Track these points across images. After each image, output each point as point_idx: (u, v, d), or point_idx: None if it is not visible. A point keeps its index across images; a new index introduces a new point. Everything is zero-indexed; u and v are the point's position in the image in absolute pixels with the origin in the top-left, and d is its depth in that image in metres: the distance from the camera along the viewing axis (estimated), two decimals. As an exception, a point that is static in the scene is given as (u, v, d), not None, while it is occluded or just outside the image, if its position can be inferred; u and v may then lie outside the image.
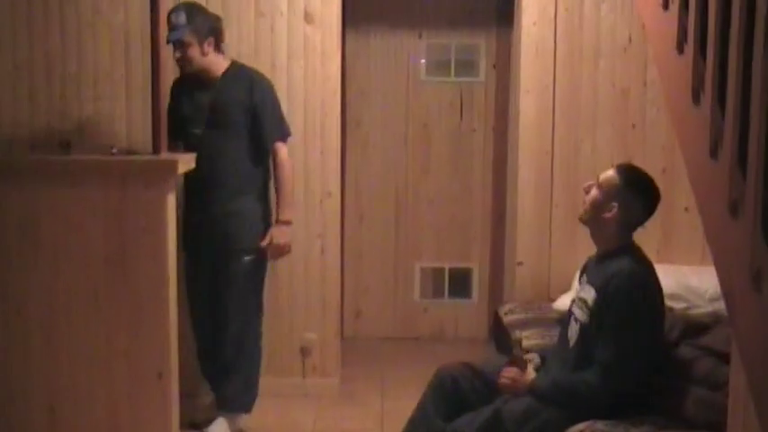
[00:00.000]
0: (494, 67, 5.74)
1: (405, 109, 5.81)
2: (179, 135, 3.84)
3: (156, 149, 3.10)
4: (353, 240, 5.84)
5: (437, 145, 5.82)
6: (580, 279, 3.23)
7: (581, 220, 3.14)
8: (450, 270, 5.91)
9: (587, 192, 3.10)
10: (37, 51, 4.57)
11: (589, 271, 3.16)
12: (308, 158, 4.62)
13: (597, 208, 3.03)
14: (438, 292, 5.93)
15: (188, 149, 3.66)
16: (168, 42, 3.74)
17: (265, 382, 4.47)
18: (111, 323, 2.99)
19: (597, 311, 2.95)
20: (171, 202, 3.03)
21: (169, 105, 3.89)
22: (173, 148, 3.79)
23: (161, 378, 3.01)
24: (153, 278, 2.98)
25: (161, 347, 3.01)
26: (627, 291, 2.90)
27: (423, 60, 5.78)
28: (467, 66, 5.77)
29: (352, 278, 5.86)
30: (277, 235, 3.97)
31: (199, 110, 3.91)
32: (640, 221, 3.06)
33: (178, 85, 4.01)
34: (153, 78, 3.10)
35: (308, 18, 4.57)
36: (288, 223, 4.00)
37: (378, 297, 5.92)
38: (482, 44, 5.75)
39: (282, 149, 4.01)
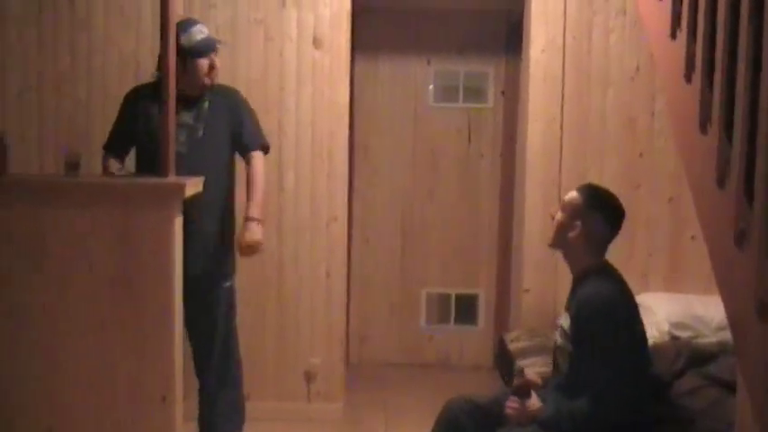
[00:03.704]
0: (502, 93, 5.76)
1: (412, 134, 5.82)
2: (142, 148, 3.80)
3: (163, 171, 3.10)
4: (359, 265, 5.84)
5: (444, 171, 5.83)
6: None
7: (550, 245, 3.19)
8: (457, 296, 5.90)
9: (553, 217, 3.15)
10: (47, 74, 4.61)
11: (569, 298, 3.17)
12: (314, 182, 4.64)
13: (562, 229, 3.08)
14: (444, 319, 5.92)
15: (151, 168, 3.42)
16: (211, 49, 3.79)
17: (269, 406, 4.46)
18: (115, 345, 2.98)
19: (575, 338, 2.97)
20: (177, 224, 3.03)
21: (128, 114, 3.87)
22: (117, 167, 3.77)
23: (165, 401, 3.00)
24: (158, 301, 2.97)
25: (165, 370, 2.99)
26: (597, 316, 2.90)
27: (431, 86, 5.80)
28: (475, 92, 5.79)
29: (358, 303, 5.85)
30: (249, 232, 3.79)
31: (180, 128, 3.68)
32: (606, 238, 3.08)
33: (144, 96, 3.85)
34: (161, 103, 3.11)
35: (316, 43, 4.60)
36: (258, 221, 3.83)
37: (383, 322, 5.90)
38: (491, 71, 5.77)
39: (259, 158, 3.92)
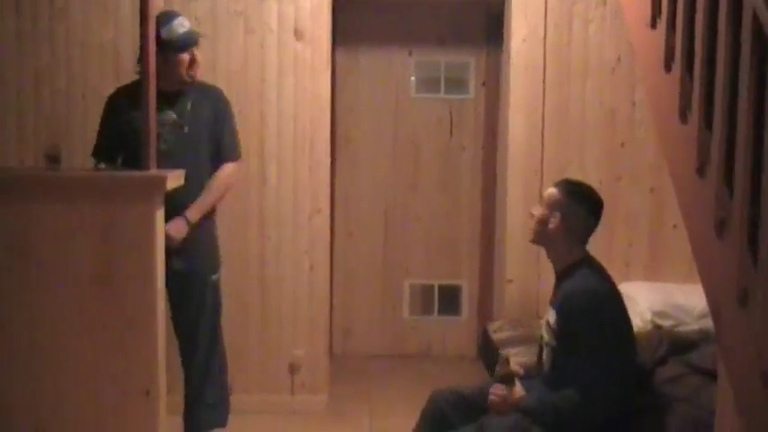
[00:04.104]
0: (483, 84, 5.76)
1: (394, 126, 5.82)
2: (127, 150, 3.75)
3: (144, 165, 3.09)
4: (342, 257, 5.83)
5: (426, 162, 5.83)
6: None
7: (532, 241, 3.22)
8: (440, 287, 5.91)
9: (533, 215, 3.18)
10: (26, 67, 4.58)
11: (553, 293, 3.18)
12: (297, 175, 4.63)
13: (542, 223, 3.11)
14: (427, 309, 5.93)
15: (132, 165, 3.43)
16: (193, 43, 3.76)
17: (253, 398, 4.45)
18: (97, 340, 2.97)
19: (560, 333, 2.98)
20: (159, 218, 3.02)
21: (112, 117, 3.83)
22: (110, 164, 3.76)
23: (148, 396, 2.99)
24: (140, 294, 2.96)
25: (148, 365, 2.99)
26: (584, 309, 2.91)
27: (412, 78, 5.79)
28: (456, 83, 5.79)
29: (341, 295, 5.85)
30: (172, 225, 3.67)
31: (163, 125, 3.68)
32: (587, 230, 3.11)
33: (125, 98, 3.79)
34: (142, 94, 3.09)
35: (297, 35, 4.59)
36: (188, 222, 3.77)
37: (367, 314, 5.90)
38: (472, 62, 5.77)
39: (229, 169, 3.91)
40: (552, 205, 3.09)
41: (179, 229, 3.76)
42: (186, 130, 3.80)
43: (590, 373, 2.84)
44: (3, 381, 2.98)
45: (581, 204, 3.08)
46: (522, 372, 3.27)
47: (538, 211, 3.16)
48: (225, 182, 3.92)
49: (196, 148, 3.82)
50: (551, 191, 3.14)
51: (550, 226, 3.08)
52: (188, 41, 3.77)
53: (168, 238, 3.64)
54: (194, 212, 3.81)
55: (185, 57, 3.77)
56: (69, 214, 2.94)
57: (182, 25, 3.77)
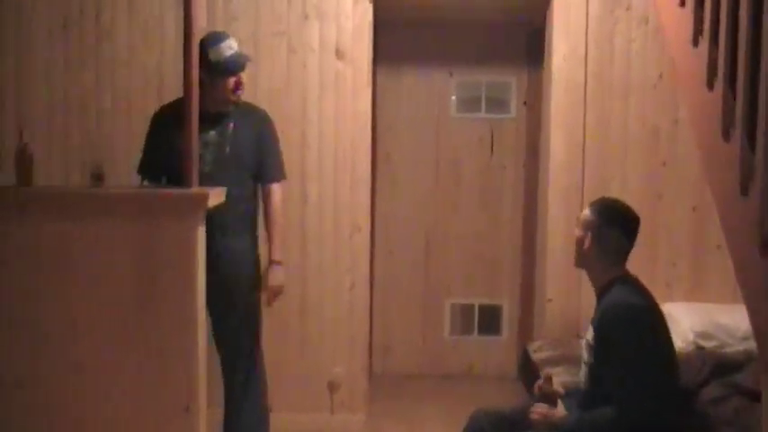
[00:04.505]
0: (524, 103, 5.76)
1: (435, 145, 5.83)
2: (169, 170, 3.69)
3: (186, 182, 3.12)
4: (383, 276, 5.84)
5: (467, 181, 5.83)
6: None
7: (575, 264, 3.21)
8: (480, 307, 5.89)
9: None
10: (73, 89, 4.66)
11: (595, 312, 3.16)
12: (337, 193, 4.65)
13: (579, 245, 3.11)
14: (468, 329, 5.91)
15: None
16: (239, 68, 3.72)
17: (292, 417, 4.46)
18: (138, 356, 2.99)
19: (597, 349, 2.95)
20: (201, 235, 3.05)
21: (155, 135, 3.82)
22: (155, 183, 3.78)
23: (188, 411, 3.01)
24: (181, 311, 2.98)
25: (189, 380, 3.00)
26: (619, 321, 2.89)
27: (453, 97, 5.80)
28: (497, 103, 5.79)
29: (381, 314, 5.85)
30: (274, 276, 3.86)
31: (206, 146, 3.71)
32: (625, 249, 3.08)
33: (167, 117, 3.77)
34: (185, 113, 3.12)
35: (338, 54, 4.62)
36: (281, 264, 3.88)
37: (407, 333, 5.90)
38: (513, 81, 5.77)
39: (278, 191, 3.91)
40: (586, 226, 3.08)
41: (277, 276, 3.86)
42: (228, 150, 3.78)
43: (625, 385, 2.81)
44: (45, 397, 3.02)
45: (613, 224, 3.05)
46: (563, 392, 3.25)
47: (577, 233, 3.15)
48: (280, 206, 3.94)
49: (238, 168, 3.81)
50: (585, 212, 3.13)
51: (585, 247, 3.07)
52: (235, 65, 3.73)
53: (277, 289, 3.87)
54: (277, 252, 3.88)
55: (231, 80, 3.73)
56: (112, 231, 2.97)
57: (230, 48, 3.71)
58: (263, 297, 3.90)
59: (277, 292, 3.90)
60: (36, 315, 2.99)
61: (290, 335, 4.69)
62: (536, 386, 3.28)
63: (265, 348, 4.08)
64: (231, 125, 3.81)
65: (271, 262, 3.88)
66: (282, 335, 4.66)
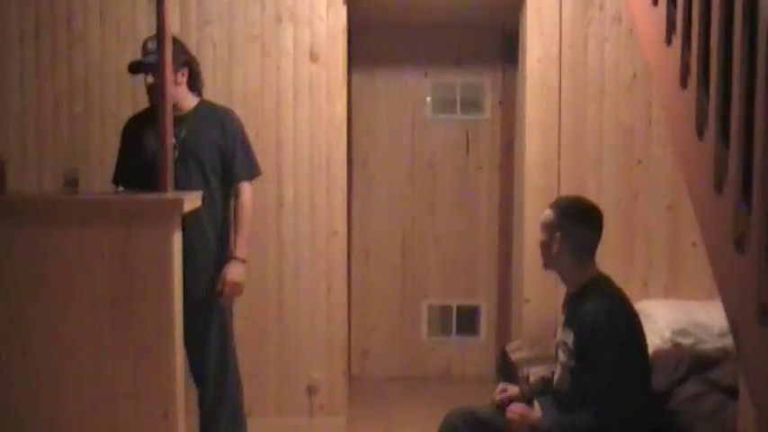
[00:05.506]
0: (499, 104, 5.77)
1: (411, 147, 5.83)
2: (137, 174, 3.71)
3: (161, 187, 3.10)
4: (360, 278, 5.84)
5: (443, 183, 5.83)
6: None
7: (544, 267, 3.22)
8: (458, 308, 5.90)
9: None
10: (45, 92, 4.62)
11: (566, 313, 3.16)
12: (313, 196, 4.64)
13: (546, 248, 3.12)
14: (445, 330, 5.91)
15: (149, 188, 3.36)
16: (144, 67, 3.70)
17: (271, 421, 4.44)
18: (116, 362, 2.97)
19: (579, 352, 2.95)
20: (177, 240, 3.03)
21: (126, 145, 3.86)
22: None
23: (166, 418, 2.99)
24: (158, 317, 2.96)
25: (166, 386, 2.98)
26: (604, 328, 2.89)
27: (428, 98, 5.81)
28: (472, 104, 5.81)
29: (359, 316, 5.85)
30: (233, 271, 3.79)
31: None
32: (591, 243, 3.09)
33: (134, 125, 3.89)
34: (159, 117, 3.11)
35: (313, 57, 4.61)
36: (244, 261, 3.83)
37: (385, 335, 5.90)
38: (487, 82, 5.78)
39: (247, 190, 3.89)
40: (551, 227, 3.09)
41: (239, 271, 3.80)
42: (189, 152, 3.76)
43: (607, 390, 2.82)
44: (21, 404, 2.99)
45: (576, 220, 3.07)
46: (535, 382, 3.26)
47: (542, 237, 3.15)
48: (249, 205, 3.90)
49: (201, 169, 3.79)
50: (547, 213, 3.14)
51: (553, 249, 3.07)
52: (132, 68, 3.77)
53: (235, 285, 3.78)
54: (239, 249, 3.83)
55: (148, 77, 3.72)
56: (87, 237, 2.95)
57: (145, 47, 3.75)
58: (225, 291, 3.79)
59: (235, 289, 3.83)
60: (11, 325, 2.96)
61: (268, 339, 4.67)
62: (495, 398, 3.30)
63: (243, 352, 4.06)
64: (189, 126, 3.79)
65: (231, 257, 3.82)
66: (260, 339, 4.64)
